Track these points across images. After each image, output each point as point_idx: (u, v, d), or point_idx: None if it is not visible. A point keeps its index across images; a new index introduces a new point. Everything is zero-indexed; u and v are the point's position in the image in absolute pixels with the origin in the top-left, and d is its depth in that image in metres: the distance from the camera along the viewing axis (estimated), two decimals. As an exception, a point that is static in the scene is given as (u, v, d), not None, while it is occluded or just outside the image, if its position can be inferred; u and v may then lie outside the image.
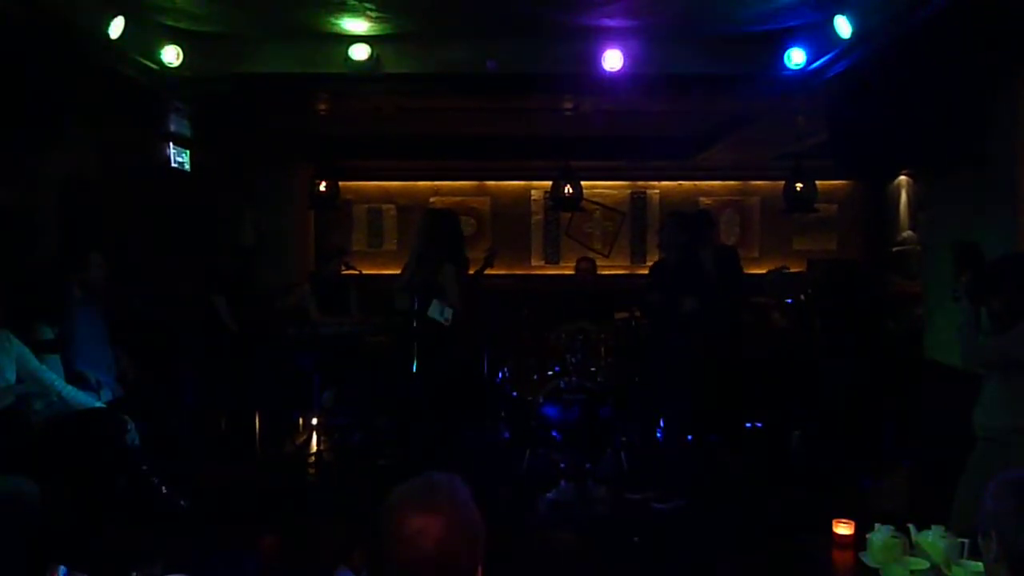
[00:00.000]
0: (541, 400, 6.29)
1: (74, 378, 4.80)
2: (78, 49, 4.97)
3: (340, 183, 8.90)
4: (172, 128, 7.18)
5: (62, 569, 1.61)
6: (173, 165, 7.40)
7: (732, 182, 10.25)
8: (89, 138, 6.06)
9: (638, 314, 6.89)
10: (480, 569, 1.64)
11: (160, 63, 5.50)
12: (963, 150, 5.08)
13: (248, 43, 5.77)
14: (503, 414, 7.00)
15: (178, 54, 5.51)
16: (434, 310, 6.00)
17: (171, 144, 7.33)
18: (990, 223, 4.92)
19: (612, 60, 5.56)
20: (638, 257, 10.26)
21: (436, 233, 6.16)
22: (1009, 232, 4.70)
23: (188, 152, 7.60)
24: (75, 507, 4.09)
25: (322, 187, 8.65)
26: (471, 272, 7.30)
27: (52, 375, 4.57)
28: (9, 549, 3.54)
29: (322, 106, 7.20)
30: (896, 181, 9.17)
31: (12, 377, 4.36)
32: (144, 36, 5.38)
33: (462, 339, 6.82)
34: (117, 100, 5.93)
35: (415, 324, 5.92)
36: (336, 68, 5.72)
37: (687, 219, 6.95)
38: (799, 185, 8.24)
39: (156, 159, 7.20)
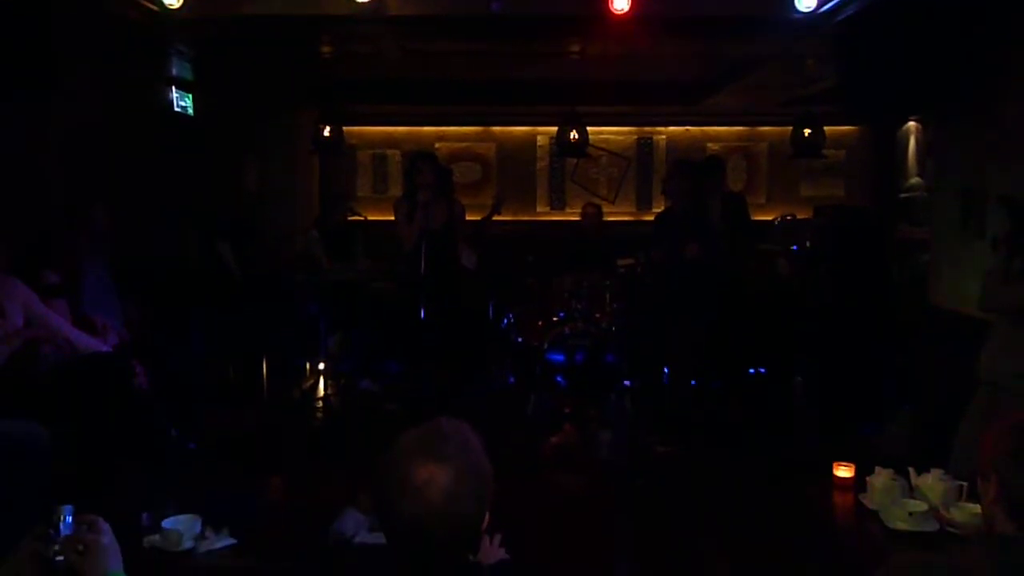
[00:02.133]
0: (546, 346, 6.33)
1: (81, 322, 4.82)
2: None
3: (344, 128, 8.83)
4: (174, 72, 7.11)
5: (68, 508, 1.63)
6: (176, 109, 7.34)
7: (739, 128, 10.15)
8: (90, 82, 6.01)
9: (643, 260, 6.90)
10: (488, 515, 1.65)
11: (161, 5, 5.41)
12: (974, 96, 5.02)
13: (250, -16, 5.69)
14: (508, 360, 7.04)
15: (180, -5, 5.43)
16: (466, 258, 6.10)
17: (173, 88, 7.27)
18: (1000, 169, 4.88)
19: (619, 1, 5.47)
20: (644, 203, 10.21)
21: (438, 177, 6.13)
22: (1020, 178, 4.65)
23: (191, 96, 7.54)
24: (84, 450, 4.14)
25: (326, 132, 8.57)
26: (478, 219, 7.29)
27: (59, 319, 4.59)
28: (20, 491, 3.59)
29: (325, 49, 7.12)
30: (905, 127, 9.08)
31: (19, 321, 4.38)
32: (145, -23, 5.30)
33: (468, 285, 6.84)
34: (119, 43, 5.86)
35: (423, 270, 5.92)
36: (339, 10, 5.63)
37: (691, 167, 6.92)
38: (807, 131, 8.16)
39: (159, 103, 7.15)
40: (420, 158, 6.28)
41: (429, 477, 1.55)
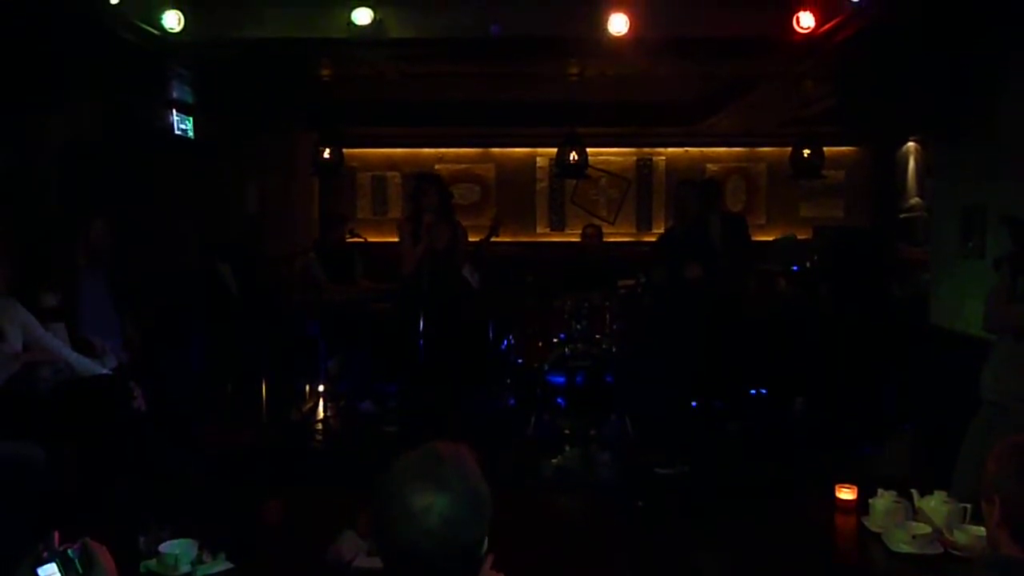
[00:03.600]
0: (546, 367, 6.31)
1: (79, 344, 4.81)
2: (79, 14, 4.93)
3: (344, 150, 8.86)
4: (175, 94, 7.13)
5: (65, 532, 1.62)
6: (176, 132, 7.36)
7: (739, 148, 10.16)
8: (91, 104, 6.03)
9: (643, 281, 6.89)
10: (487, 539, 1.63)
11: (161, 28, 5.45)
12: (974, 115, 5.03)
13: (250, 7, 5.71)
14: (509, 381, 7.02)
15: (179, 19, 5.46)
16: (468, 274, 6.10)
17: (174, 110, 7.29)
18: (1000, 189, 4.88)
19: (618, 23, 5.50)
20: (644, 224, 10.22)
21: (443, 200, 6.13)
22: (1020, 197, 4.65)
23: (191, 119, 7.56)
24: (82, 472, 4.11)
25: (326, 154, 8.60)
26: (477, 240, 7.30)
27: (58, 342, 4.58)
28: (17, 513, 3.57)
29: (325, 71, 7.15)
30: (904, 147, 9.11)
31: (18, 344, 4.37)
32: (145, 0, 5.33)
33: (468, 306, 6.83)
34: (119, 65, 5.89)
35: (425, 291, 5.92)
36: (339, 32, 5.67)
37: (703, 187, 6.95)
38: (806, 151, 8.19)
39: (159, 125, 7.16)
40: (425, 180, 6.28)
41: (427, 504, 1.53)
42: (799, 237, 9.22)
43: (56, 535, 1.61)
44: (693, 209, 6.46)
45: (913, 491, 3.06)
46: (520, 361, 6.83)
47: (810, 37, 5.52)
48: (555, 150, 8.74)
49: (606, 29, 5.51)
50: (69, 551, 1.58)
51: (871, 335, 6.68)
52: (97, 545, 1.63)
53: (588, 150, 8.65)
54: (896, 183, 9.27)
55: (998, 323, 3.79)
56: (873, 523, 3.02)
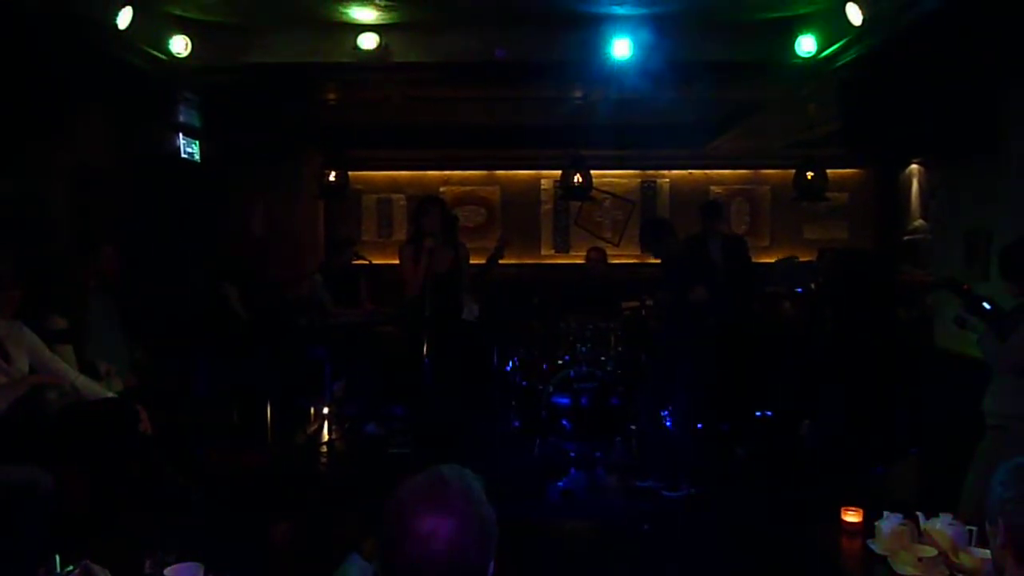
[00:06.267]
0: (551, 389, 6.31)
1: (86, 368, 4.82)
2: (87, 39, 4.98)
3: (350, 173, 8.91)
4: (182, 119, 7.20)
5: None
6: (183, 156, 7.42)
7: (742, 171, 10.20)
8: (99, 128, 6.09)
9: (648, 303, 6.89)
10: (493, 563, 1.63)
11: (169, 53, 5.51)
12: (976, 137, 5.06)
13: (257, 33, 5.78)
14: (513, 403, 7.01)
15: (187, 44, 5.52)
16: (467, 311, 6.11)
17: (181, 135, 7.35)
18: (1003, 211, 4.90)
19: (621, 48, 5.55)
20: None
21: (445, 223, 6.15)
22: (1021, 220, 4.66)
23: (198, 143, 7.62)
24: (89, 496, 4.11)
25: (332, 177, 8.65)
26: (482, 263, 7.31)
27: (64, 365, 4.59)
28: (24, 537, 3.57)
29: (331, 95, 7.20)
30: (907, 170, 9.12)
31: (25, 367, 4.38)
32: (153, 26, 5.39)
33: (473, 329, 6.84)
34: (126, 90, 5.95)
35: (428, 314, 5.93)
36: (345, 57, 5.73)
37: (704, 208, 6.99)
38: (810, 174, 8.19)
39: (166, 149, 7.22)
40: (427, 202, 6.29)
41: (433, 528, 1.53)
42: (802, 259, 9.22)
43: (57, 558, 1.62)
44: (652, 248, 6.34)
45: (919, 514, 3.06)
46: (525, 383, 6.83)
47: (812, 61, 5.56)
48: (560, 172, 8.77)
49: (610, 53, 5.56)
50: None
51: (876, 358, 6.67)
52: (99, 568, 1.64)
53: (592, 172, 8.68)
54: (900, 205, 9.28)
55: (995, 363, 3.80)
56: (879, 546, 3.01)
